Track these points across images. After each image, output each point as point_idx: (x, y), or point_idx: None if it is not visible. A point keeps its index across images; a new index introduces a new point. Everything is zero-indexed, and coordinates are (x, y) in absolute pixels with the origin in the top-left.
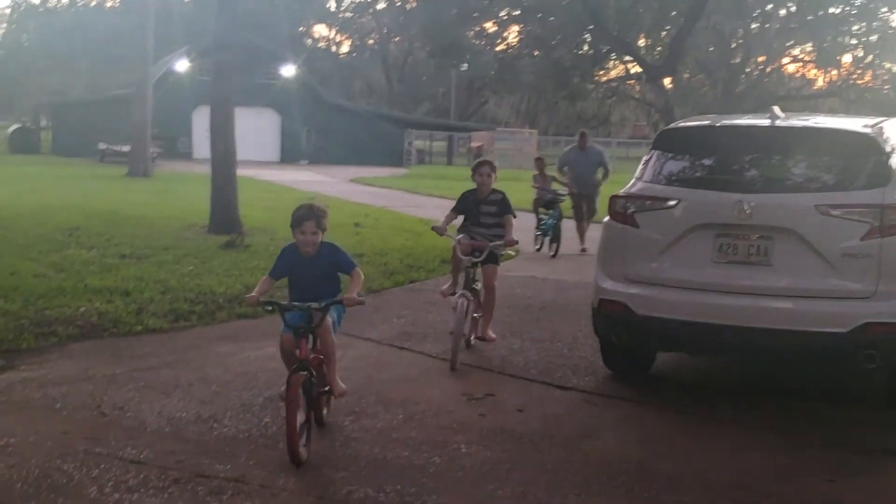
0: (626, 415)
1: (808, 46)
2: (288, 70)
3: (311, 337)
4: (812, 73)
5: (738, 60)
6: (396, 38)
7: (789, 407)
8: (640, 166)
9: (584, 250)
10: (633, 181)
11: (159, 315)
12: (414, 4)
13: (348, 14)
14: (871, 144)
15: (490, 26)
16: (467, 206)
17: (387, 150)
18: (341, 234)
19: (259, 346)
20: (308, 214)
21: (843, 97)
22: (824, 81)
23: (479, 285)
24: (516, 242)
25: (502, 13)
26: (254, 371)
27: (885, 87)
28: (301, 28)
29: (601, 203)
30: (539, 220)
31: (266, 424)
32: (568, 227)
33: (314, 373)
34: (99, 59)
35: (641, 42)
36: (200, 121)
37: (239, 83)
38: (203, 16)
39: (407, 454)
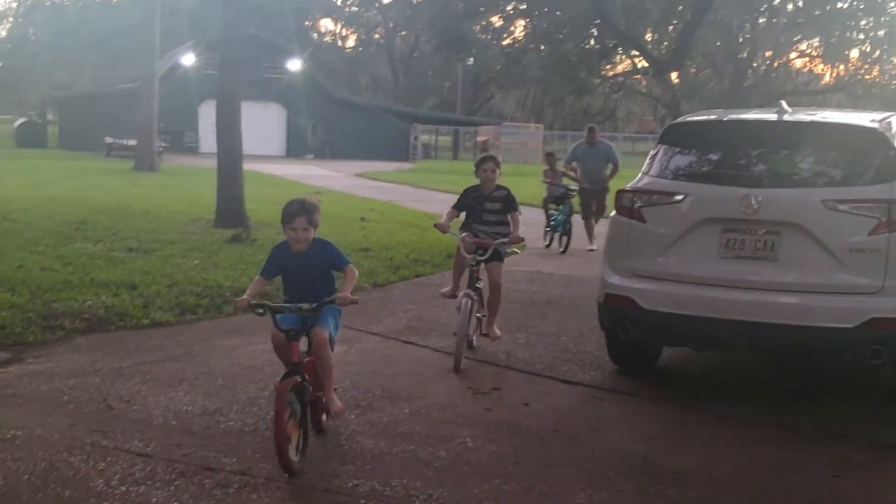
0: (632, 409)
1: (816, 41)
2: (294, 64)
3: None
4: (819, 68)
5: (745, 55)
6: (402, 33)
7: (794, 402)
8: (647, 161)
9: (591, 250)
10: (639, 176)
11: (166, 309)
12: None
13: (354, 8)
14: (878, 139)
15: (496, 20)
16: (470, 203)
17: (392, 144)
18: (347, 228)
19: (265, 340)
20: (299, 210)
21: (851, 92)
22: (832, 76)
23: (482, 284)
24: (522, 240)
25: (509, 7)
26: (260, 364)
27: (893, 82)
28: (307, 22)
29: (610, 200)
30: (549, 215)
31: (272, 418)
32: (576, 222)
33: (307, 377)
34: (105, 53)
35: (648, 36)
36: (207, 115)
37: (245, 77)
38: (209, 10)
39: (413, 448)
